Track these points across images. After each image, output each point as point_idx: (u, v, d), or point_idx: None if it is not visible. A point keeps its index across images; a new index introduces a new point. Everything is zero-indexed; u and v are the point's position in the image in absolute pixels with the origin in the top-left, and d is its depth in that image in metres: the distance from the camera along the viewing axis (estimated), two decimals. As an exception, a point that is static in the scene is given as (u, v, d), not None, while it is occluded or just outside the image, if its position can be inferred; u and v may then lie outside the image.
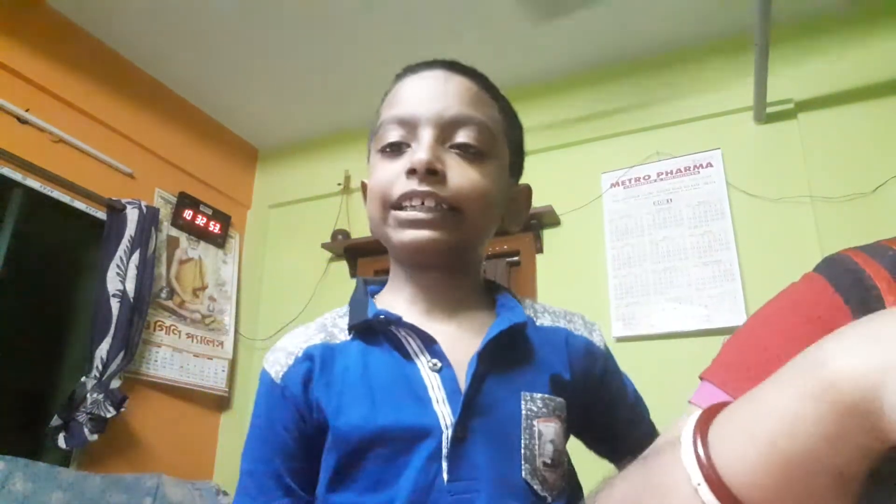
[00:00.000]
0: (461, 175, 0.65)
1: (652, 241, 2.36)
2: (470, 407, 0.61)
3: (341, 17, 2.45)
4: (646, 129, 2.53)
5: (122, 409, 2.27)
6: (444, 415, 0.61)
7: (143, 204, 2.56)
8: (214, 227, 3.00)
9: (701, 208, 2.33)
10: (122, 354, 2.33)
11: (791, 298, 0.47)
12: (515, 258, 2.59)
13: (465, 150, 0.66)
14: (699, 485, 0.28)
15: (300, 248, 3.07)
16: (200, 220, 2.93)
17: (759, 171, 2.30)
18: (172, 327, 2.71)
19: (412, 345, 0.66)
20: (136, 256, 2.47)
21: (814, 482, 0.26)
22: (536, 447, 0.62)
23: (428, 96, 0.68)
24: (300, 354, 0.67)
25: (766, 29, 1.95)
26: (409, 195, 0.65)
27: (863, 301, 0.43)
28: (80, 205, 2.44)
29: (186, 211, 2.87)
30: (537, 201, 2.88)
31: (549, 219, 2.55)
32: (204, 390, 2.77)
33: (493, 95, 0.72)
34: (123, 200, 2.53)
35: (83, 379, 2.25)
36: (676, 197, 2.38)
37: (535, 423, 0.63)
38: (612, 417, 0.73)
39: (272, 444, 0.67)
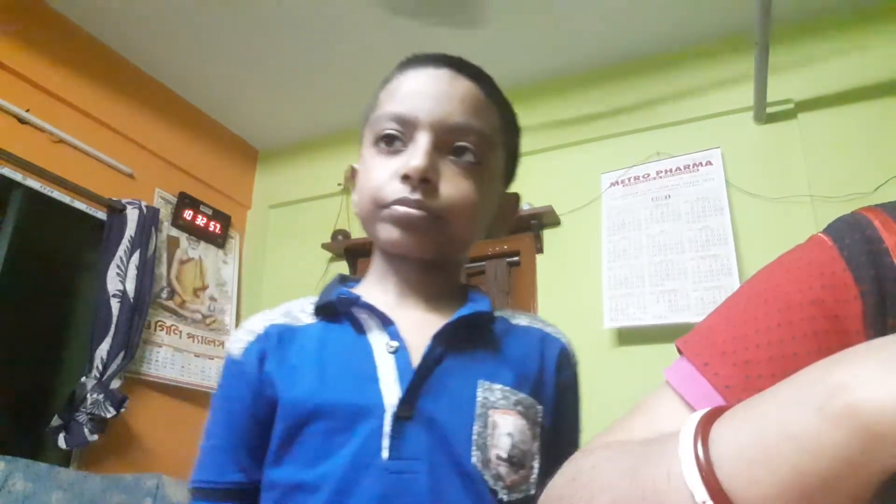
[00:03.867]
0: (453, 186, 0.65)
1: (649, 235, 2.35)
2: (419, 387, 0.61)
3: (341, 17, 2.44)
4: (646, 129, 2.53)
5: (122, 410, 2.27)
6: (390, 394, 0.60)
7: (144, 204, 2.56)
8: (214, 228, 3.00)
9: (699, 204, 2.32)
10: (122, 354, 2.33)
11: (794, 270, 0.42)
12: (515, 258, 2.59)
13: (461, 159, 0.66)
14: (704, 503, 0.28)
15: (300, 248, 3.08)
16: (200, 221, 2.93)
17: (759, 172, 2.30)
18: (173, 327, 2.71)
19: (371, 326, 0.66)
20: (136, 257, 2.47)
21: None
22: (489, 437, 0.61)
23: (431, 97, 0.66)
24: (261, 332, 0.68)
25: (766, 29, 1.95)
26: (400, 202, 0.64)
27: (877, 279, 0.38)
28: (80, 205, 2.44)
29: (186, 211, 2.87)
30: (537, 201, 2.86)
31: (549, 219, 2.55)
32: (204, 390, 2.76)
33: (496, 100, 0.71)
34: (123, 201, 2.53)
35: (83, 379, 2.25)
36: (675, 193, 2.38)
37: (490, 412, 0.62)
38: (553, 438, 0.68)
39: (228, 420, 0.67)
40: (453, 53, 0.71)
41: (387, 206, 0.65)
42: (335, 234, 2.92)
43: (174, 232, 2.82)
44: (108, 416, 2.22)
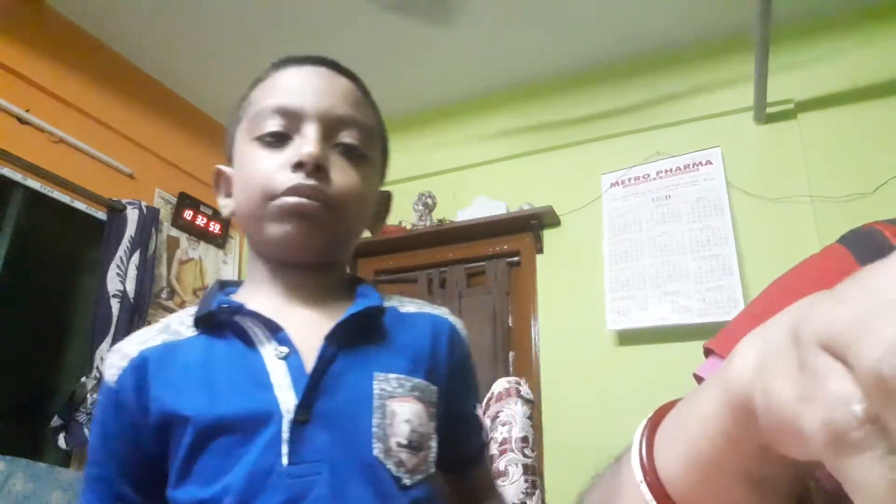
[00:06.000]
0: (344, 176, 0.66)
1: (650, 237, 2.35)
2: (315, 390, 0.61)
3: (341, 18, 2.44)
4: (646, 129, 2.53)
5: (123, 410, 2.27)
6: (286, 399, 0.60)
7: (144, 204, 2.56)
8: (215, 228, 3.00)
9: (700, 204, 2.32)
10: (122, 354, 2.33)
11: (814, 272, 0.43)
12: (515, 258, 2.59)
13: (347, 151, 0.67)
14: (641, 482, 0.30)
15: (300, 248, 3.07)
16: (201, 221, 2.93)
17: (759, 172, 2.30)
18: (172, 327, 2.71)
19: (258, 334, 0.64)
20: (136, 257, 2.46)
21: (726, 483, 0.26)
22: (389, 427, 0.62)
23: (315, 91, 0.67)
24: (135, 356, 0.64)
25: (766, 29, 1.95)
26: (294, 189, 0.63)
27: None
28: (80, 205, 2.44)
29: (187, 211, 2.87)
30: (537, 201, 2.84)
31: (549, 219, 2.55)
32: (204, 390, 2.77)
33: (371, 101, 0.74)
34: (124, 201, 2.53)
35: (83, 379, 2.25)
36: (675, 193, 2.38)
37: (387, 402, 0.62)
38: (455, 415, 0.71)
39: (106, 450, 0.65)
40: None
41: (277, 197, 0.64)
42: (335, 234, 2.92)
43: (174, 232, 2.82)
44: (108, 416, 2.22)
